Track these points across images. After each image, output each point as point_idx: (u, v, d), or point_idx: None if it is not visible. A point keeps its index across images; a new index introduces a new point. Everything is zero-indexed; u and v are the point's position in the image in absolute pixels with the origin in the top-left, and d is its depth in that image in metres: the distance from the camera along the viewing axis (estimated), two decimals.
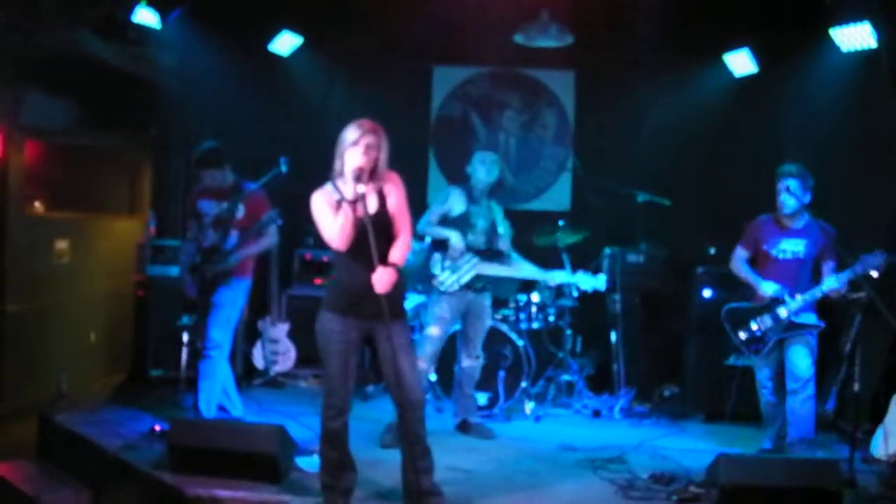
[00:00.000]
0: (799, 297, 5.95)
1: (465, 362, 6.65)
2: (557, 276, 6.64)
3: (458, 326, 6.71)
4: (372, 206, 4.67)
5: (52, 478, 6.07)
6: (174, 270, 7.66)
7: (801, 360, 5.98)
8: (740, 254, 6.31)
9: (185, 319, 7.42)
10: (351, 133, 4.62)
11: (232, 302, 6.33)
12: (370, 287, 4.59)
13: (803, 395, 5.96)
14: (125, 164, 9.29)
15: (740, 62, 8.16)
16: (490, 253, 6.53)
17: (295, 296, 8.44)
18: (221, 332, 6.29)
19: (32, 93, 7.63)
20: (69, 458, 6.20)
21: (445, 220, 6.51)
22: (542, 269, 6.71)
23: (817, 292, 5.92)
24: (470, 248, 6.46)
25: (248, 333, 8.09)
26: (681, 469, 5.84)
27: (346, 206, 4.53)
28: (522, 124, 9.23)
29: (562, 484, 5.60)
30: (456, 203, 6.53)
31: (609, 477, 5.68)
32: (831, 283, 5.87)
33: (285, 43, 8.39)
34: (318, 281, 8.48)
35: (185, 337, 7.31)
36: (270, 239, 6.39)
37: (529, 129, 9.21)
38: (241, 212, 6.31)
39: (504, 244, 6.62)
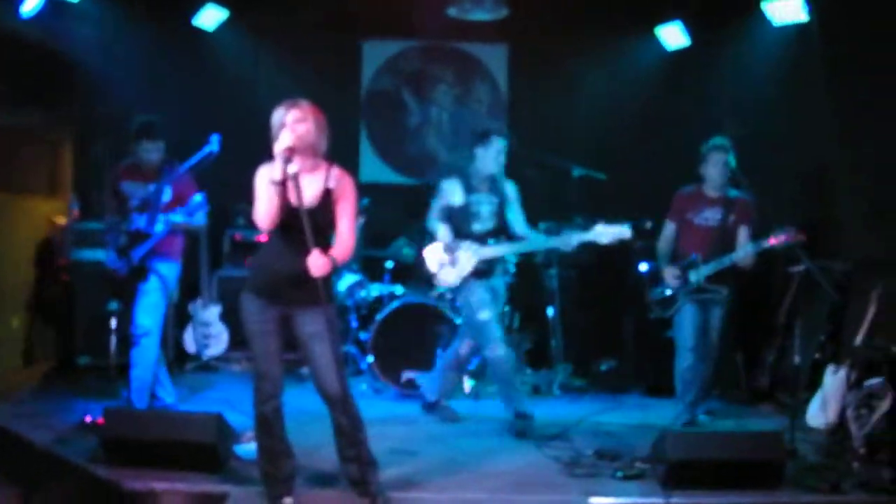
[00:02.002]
0: (711, 264, 6.09)
1: (490, 351, 6.19)
2: (573, 238, 6.19)
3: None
4: (311, 190, 4.53)
5: None
6: (100, 254, 7.42)
7: (715, 334, 6.26)
8: (668, 227, 6.43)
9: (114, 305, 7.21)
10: (278, 114, 4.53)
11: (160, 287, 6.14)
12: (293, 272, 4.48)
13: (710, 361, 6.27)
14: (45, 144, 8.98)
15: (672, 35, 8.18)
16: (495, 235, 6.28)
17: (226, 277, 8.24)
18: (150, 318, 6.10)
19: None
20: None
21: (450, 213, 6.31)
22: (552, 235, 6.46)
23: (726, 260, 6.05)
24: (476, 236, 6.24)
25: (179, 317, 7.87)
26: (623, 445, 5.84)
27: (272, 188, 4.40)
28: (455, 98, 9.15)
29: (506, 462, 5.55)
30: (452, 194, 6.30)
31: (553, 454, 5.65)
32: (740, 253, 6.04)
33: (210, 17, 8.18)
34: (249, 262, 8.27)
35: (114, 323, 7.14)
36: (197, 221, 6.17)
37: (463, 103, 9.14)
38: (168, 195, 6.11)
39: (517, 226, 6.34)
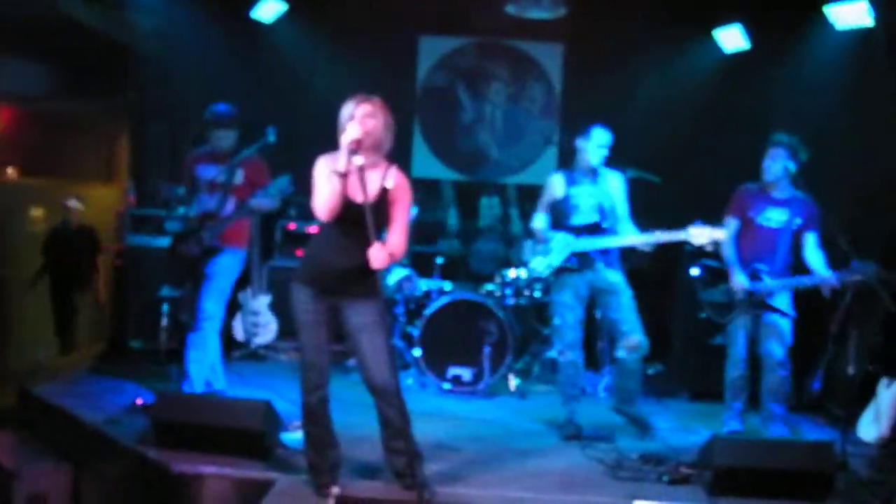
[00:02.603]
0: (776, 282, 5.86)
1: (621, 352, 6.07)
2: (664, 237, 5.91)
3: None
4: (373, 186, 4.54)
5: (31, 451, 5.98)
6: (156, 240, 7.54)
7: (774, 346, 5.96)
8: (730, 224, 6.14)
9: (166, 290, 7.34)
10: (348, 107, 4.53)
11: (226, 272, 6.18)
12: (347, 264, 4.52)
13: (779, 375, 5.98)
14: (101, 131, 9.13)
15: (731, 38, 8.09)
16: (592, 229, 6.08)
17: (277, 267, 8.30)
18: (214, 304, 6.15)
19: (9, 58, 7.44)
20: (49, 430, 6.10)
21: (553, 206, 6.19)
22: (646, 231, 6.11)
23: (798, 282, 5.82)
24: (573, 229, 6.09)
25: (229, 305, 7.93)
26: (668, 448, 5.79)
27: (334, 178, 4.41)
28: (509, 96, 9.14)
29: (551, 463, 5.54)
30: (556, 188, 6.19)
31: (597, 456, 5.61)
32: (815, 280, 5.76)
33: (269, 9, 8.24)
34: (300, 253, 8.32)
35: (166, 308, 7.25)
36: (271, 201, 6.15)
37: (516, 101, 9.13)
38: (239, 177, 6.16)
39: (618, 220, 6.13)
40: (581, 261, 6.05)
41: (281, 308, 7.96)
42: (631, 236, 6.01)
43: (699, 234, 5.73)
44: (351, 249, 4.48)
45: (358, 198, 4.41)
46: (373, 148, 4.53)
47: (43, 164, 8.44)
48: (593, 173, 6.16)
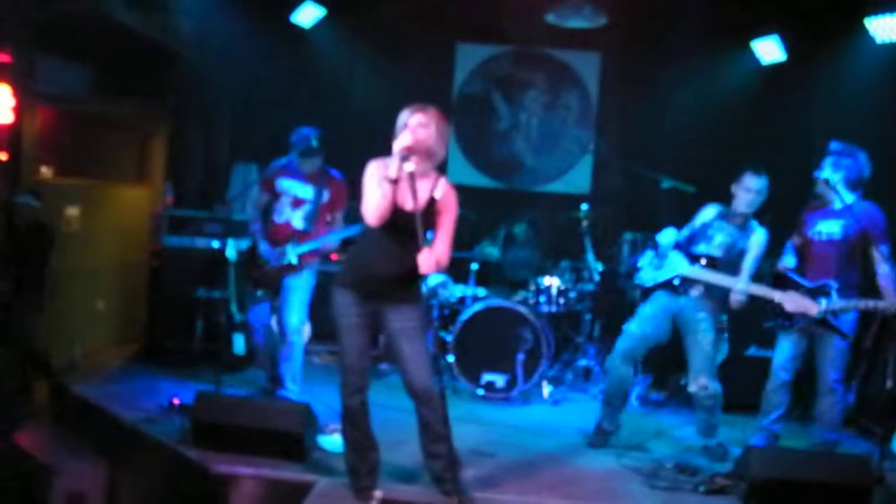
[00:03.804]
0: (844, 303, 5.44)
1: (692, 386, 5.96)
2: (758, 290, 5.71)
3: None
4: (422, 195, 4.56)
5: (68, 447, 6.01)
6: (194, 241, 7.61)
7: (828, 369, 5.68)
8: (789, 245, 5.97)
9: (201, 291, 7.39)
10: (404, 115, 4.57)
11: (307, 285, 6.36)
12: (391, 270, 4.57)
13: (830, 400, 5.71)
14: (136, 132, 9.17)
15: (768, 49, 8.08)
16: (712, 263, 5.91)
17: None
18: (299, 316, 6.34)
19: (49, 58, 7.50)
20: (85, 427, 6.12)
21: (691, 230, 6.09)
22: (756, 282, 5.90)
23: (862, 304, 5.42)
24: (693, 254, 5.98)
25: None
26: (700, 459, 5.84)
27: (385, 184, 4.44)
28: (545, 105, 9.16)
29: (586, 470, 5.57)
30: (704, 215, 6.08)
31: (632, 465, 5.64)
32: (887, 304, 5.35)
33: (308, 14, 8.28)
34: (334, 257, 8.35)
35: (201, 309, 7.31)
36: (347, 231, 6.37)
37: (552, 109, 9.14)
38: (325, 197, 6.31)
39: (741, 273, 5.83)
40: (682, 286, 5.96)
41: (314, 311, 7.98)
42: (728, 278, 5.81)
43: (792, 302, 5.59)
44: (397, 255, 4.52)
45: (407, 205, 4.44)
46: (424, 156, 4.56)
47: (77, 164, 8.46)
48: (742, 219, 5.95)
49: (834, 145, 5.74)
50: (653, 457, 5.84)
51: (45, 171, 8.00)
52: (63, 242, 7.66)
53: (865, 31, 7.05)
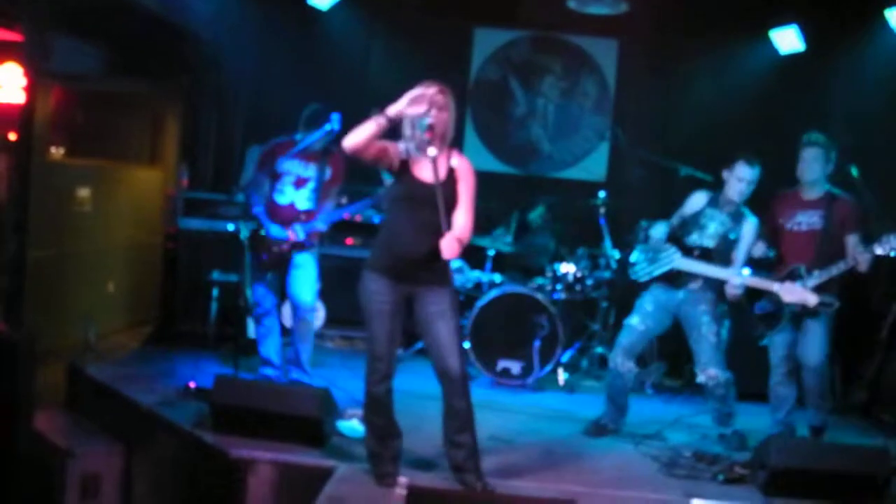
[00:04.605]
0: (816, 273, 5.65)
1: (701, 377, 5.96)
2: (755, 282, 5.79)
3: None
4: (441, 168, 4.58)
5: (84, 430, 6.02)
6: (209, 224, 7.58)
7: (813, 346, 5.81)
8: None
9: (216, 274, 7.37)
10: (422, 87, 4.57)
11: (313, 262, 6.36)
12: (421, 252, 4.55)
13: (818, 380, 5.86)
14: (148, 113, 9.13)
15: (787, 39, 8.00)
16: (706, 255, 5.93)
17: (325, 255, 8.27)
18: (311, 294, 6.34)
19: (63, 38, 7.46)
20: (100, 410, 6.14)
21: (682, 219, 6.09)
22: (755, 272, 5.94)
23: (834, 269, 5.61)
24: (687, 246, 5.98)
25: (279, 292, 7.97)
26: (717, 448, 5.84)
27: (382, 118, 4.43)
28: (562, 91, 9.10)
29: (604, 458, 5.56)
30: (694, 203, 6.07)
31: (650, 453, 5.63)
32: (849, 262, 5.58)
33: None
34: (349, 241, 8.33)
35: (216, 292, 7.30)
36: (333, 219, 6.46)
37: (569, 96, 9.08)
38: (328, 174, 6.28)
39: (734, 263, 5.90)
40: (679, 279, 5.96)
41: (329, 296, 7.97)
42: (725, 270, 5.84)
43: (789, 293, 5.71)
44: (424, 236, 4.53)
45: (427, 178, 4.47)
46: (441, 140, 4.62)
47: (90, 144, 8.44)
48: (733, 207, 5.96)
49: (820, 137, 5.87)
50: (670, 445, 5.83)
51: (54, 150, 7.98)
52: (75, 223, 7.65)
53: (886, 23, 7.00)
